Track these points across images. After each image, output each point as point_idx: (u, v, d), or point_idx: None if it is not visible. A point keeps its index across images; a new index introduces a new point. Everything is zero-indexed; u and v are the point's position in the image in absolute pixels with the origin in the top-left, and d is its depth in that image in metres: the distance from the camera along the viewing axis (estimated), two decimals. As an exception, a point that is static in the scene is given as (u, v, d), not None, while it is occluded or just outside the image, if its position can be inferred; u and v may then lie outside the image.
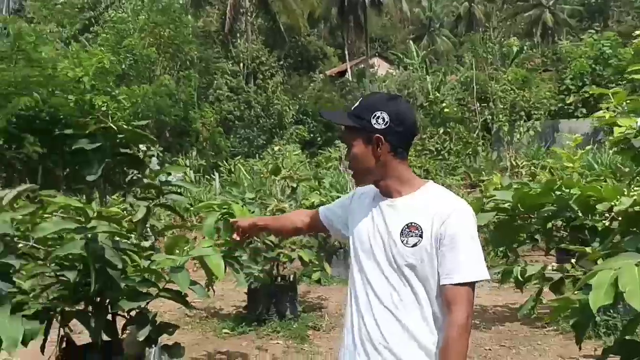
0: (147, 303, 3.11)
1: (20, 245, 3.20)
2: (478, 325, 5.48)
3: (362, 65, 32.50)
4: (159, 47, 13.15)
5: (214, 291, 3.48)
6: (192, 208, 4.19)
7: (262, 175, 10.21)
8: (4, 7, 28.26)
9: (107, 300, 3.24)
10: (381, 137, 1.70)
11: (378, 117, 1.69)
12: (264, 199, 5.29)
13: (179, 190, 3.70)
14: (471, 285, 1.63)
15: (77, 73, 10.61)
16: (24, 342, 2.85)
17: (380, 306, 1.70)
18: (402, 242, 1.67)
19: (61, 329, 3.36)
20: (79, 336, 3.67)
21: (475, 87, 14.38)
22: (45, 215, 3.17)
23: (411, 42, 28.15)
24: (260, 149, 19.77)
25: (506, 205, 3.48)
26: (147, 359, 3.19)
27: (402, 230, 1.68)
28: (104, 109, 9.53)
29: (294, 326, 5.51)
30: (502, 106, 12.48)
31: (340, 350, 1.89)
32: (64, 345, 3.47)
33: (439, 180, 9.25)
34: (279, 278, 6.02)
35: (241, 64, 26.92)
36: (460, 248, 1.62)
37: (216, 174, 11.68)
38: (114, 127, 3.25)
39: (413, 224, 1.66)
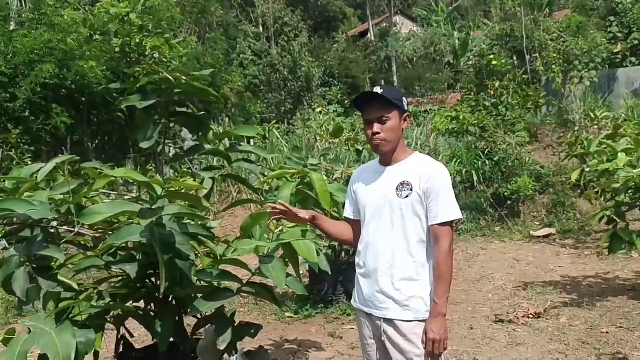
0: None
1: (62, 231, 2.56)
2: (579, 301, 4.78)
3: (385, 24, 31.05)
4: (183, 8, 12.21)
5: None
6: (262, 179, 3.47)
7: (304, 139, 9.43)
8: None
9: (172, 298, 2.61)
10: (410, 115, 2.27)
11: (404, 101, 2.19)
12: (330, 165, 4.57)
13: (250, 158, 3.00)
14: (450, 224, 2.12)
15: (120, 10, 8.50)
16: (77, 359, 2.24)
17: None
18: (397, 195, 2.15)
19: (117, 330, 2.76)
20: (136, 339, 3.06)
21: (524, 36, 13.28)
22: (92, 194, 2.50)
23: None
24: (288, 114, 18.94)
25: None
26: (228, 368, 2.54)
27: (397, 186, 2.17)
28: (156, 55, 8.06)
29: (366, 307, 4.85)
30: (555, 55, 11.47)
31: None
32: (120, 349, 2.87)
33: (499, 139, 8.38)
34: (343, 253, 5.37)
35: (262, 27, 25.89)
36: (441, 197, 2.11)
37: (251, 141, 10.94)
38: (170, 77, 2.54)
39: (406, 182, 2.15)
